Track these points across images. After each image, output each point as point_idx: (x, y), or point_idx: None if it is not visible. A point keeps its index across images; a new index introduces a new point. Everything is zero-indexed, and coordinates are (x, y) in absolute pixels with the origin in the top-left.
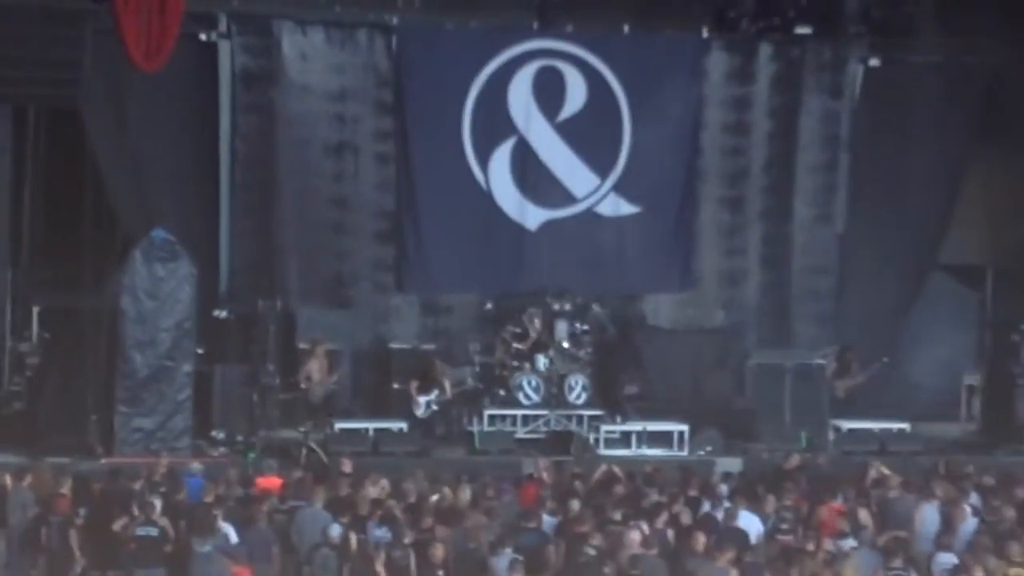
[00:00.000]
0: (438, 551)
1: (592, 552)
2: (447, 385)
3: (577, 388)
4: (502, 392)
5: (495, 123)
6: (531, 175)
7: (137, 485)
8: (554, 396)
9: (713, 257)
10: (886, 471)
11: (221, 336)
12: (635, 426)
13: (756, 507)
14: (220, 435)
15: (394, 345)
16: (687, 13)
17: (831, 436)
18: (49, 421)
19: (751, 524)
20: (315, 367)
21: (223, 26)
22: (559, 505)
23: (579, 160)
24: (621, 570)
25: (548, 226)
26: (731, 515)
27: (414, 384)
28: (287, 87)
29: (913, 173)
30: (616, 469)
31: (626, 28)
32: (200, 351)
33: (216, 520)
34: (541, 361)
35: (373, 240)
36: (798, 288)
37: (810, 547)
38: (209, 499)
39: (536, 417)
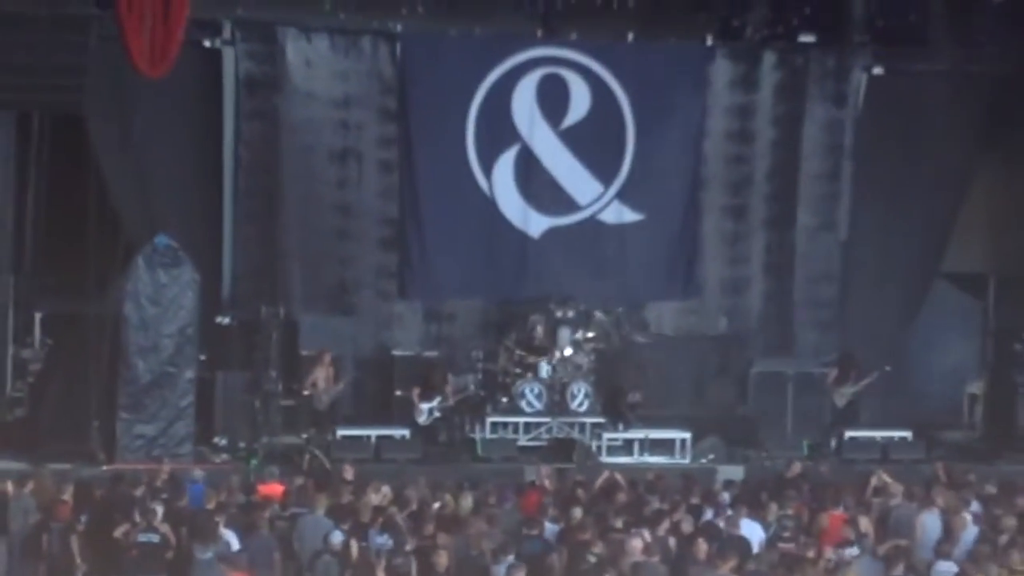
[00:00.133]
0: (440, 558)
1: (594, 560)
2: (449, 392)
3: (580, 396)
4: (504, 399)
5: (499, 130)
6: (535, 182)
7: (139, 491)
8: (556, 403)
9: (716, 265)
10: (888, 479)
11: (224, 342)
12: (637, 434)
13: (758, 515)
14: (222, 442)
15: (397, 352)
16: (691, 21)
17: (833, 444)
18: (51, 427)
19: (753, 532)
20: (321, 375)
21: (227, 33)
22: (561, 512)
23: (583, 167)
24: None
25: (551, 233)
26: (733, 523)
27: (416, 391)
28: (291, 94)
29: (917, 182)
30: (618, 477)
31: (630, 36)
32: (202, 357)
33: (218, 527)
34: (544, 368)
35: (376, 247)
36: (801, 296)
37: (811, 555)
38: (211, 506)
39: (538, 424)
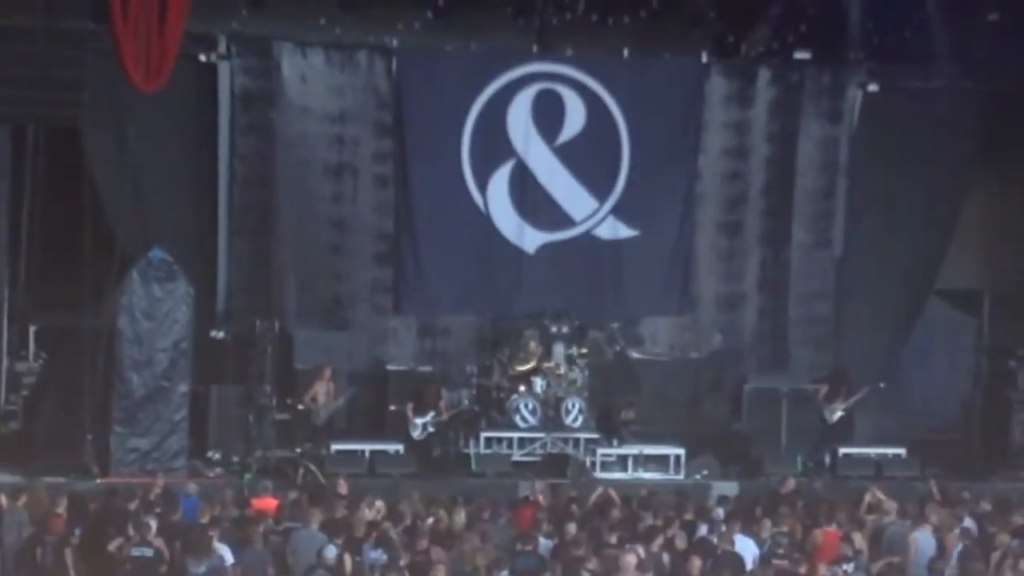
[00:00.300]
0: (437, 573)
1: (588, 575)
2: (444, 407)
3: (574, 411)
4: (499, 415)
5: (494, 146)
6: (530, 198)
7: (132, 505)
8: (551, 419)
9: (711, 281)
10: (882, 496)
11: (218, 357)
12: (632, 449)
13: (752, 531)
14: (216, 456)
15: (391, 367)
16: (687, 38)
17: (827, 461)
18: (45, 440)
19: (747, 548)
20: (322, 389)
21: (223, 47)
22: (555, 528)
23: (578, 183)
24: None
25: (546, 249)
26: (727, 539)
27: (410, 406)
28: (286, 108)
29: (912, 199)
30: (612, 492)
31: (626, 52)
32: (197, 372)
33: (211, 541)
34: (538, 384)
35: (371, 262)
36: (796, 313)
37: (805, 572)
38: (204, 520)
39: (533, 440)
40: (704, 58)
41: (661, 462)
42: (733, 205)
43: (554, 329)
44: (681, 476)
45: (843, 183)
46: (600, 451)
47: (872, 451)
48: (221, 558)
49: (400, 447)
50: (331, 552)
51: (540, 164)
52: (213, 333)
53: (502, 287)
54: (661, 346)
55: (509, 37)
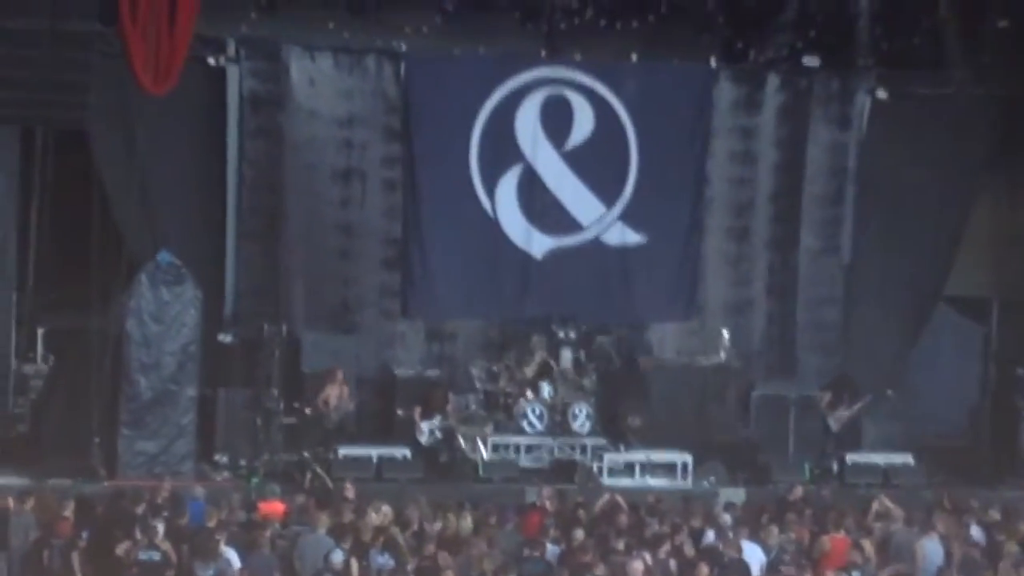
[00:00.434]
0: None
1: None
2: (451, 412)
3: (581, 417)
4: (506, 419)
5: (502, 150)
6: (537, 203)
7: (140, 509)
8: (558, 424)
9: (719, 287)
10: (889, 504)
11: (225, 360)
12: (639, 456)
13: (759, 538)
14: (223, 459)
15: (398, 371)
16: (695, 43)
17: (835, 468)
18: (53, 443)
19: (754, 555)
20: (333, 392)
21: (231, 50)
22: (562, 534)
23: (586, 188)
24: None
25: (554, 254)
26: (734, 546)
27: (418, 410)
28: (295, 112)
29: (920, 205)
30: (619, 499)
31: (634, 57)
32: (204, 375)
33: (219, 545)
34: (545, 389)
35: (379, 266)
36: (803, 319)
37: None
38: (212, 523)
39: (540, 445)
40: (713, 63)
41: (668, 468)
42: (741, 210)
43: (561, 334)
44: (688, 483)
45: (851, 189)
46: (607, 457)
47: (880, 458)
48: (228, 562)
49: (407, 452)
50: (338, 556)
51: (548, 169)
52: (221, 337)
53: (510, 292)
54: (668, 352)
55: (517, 42)
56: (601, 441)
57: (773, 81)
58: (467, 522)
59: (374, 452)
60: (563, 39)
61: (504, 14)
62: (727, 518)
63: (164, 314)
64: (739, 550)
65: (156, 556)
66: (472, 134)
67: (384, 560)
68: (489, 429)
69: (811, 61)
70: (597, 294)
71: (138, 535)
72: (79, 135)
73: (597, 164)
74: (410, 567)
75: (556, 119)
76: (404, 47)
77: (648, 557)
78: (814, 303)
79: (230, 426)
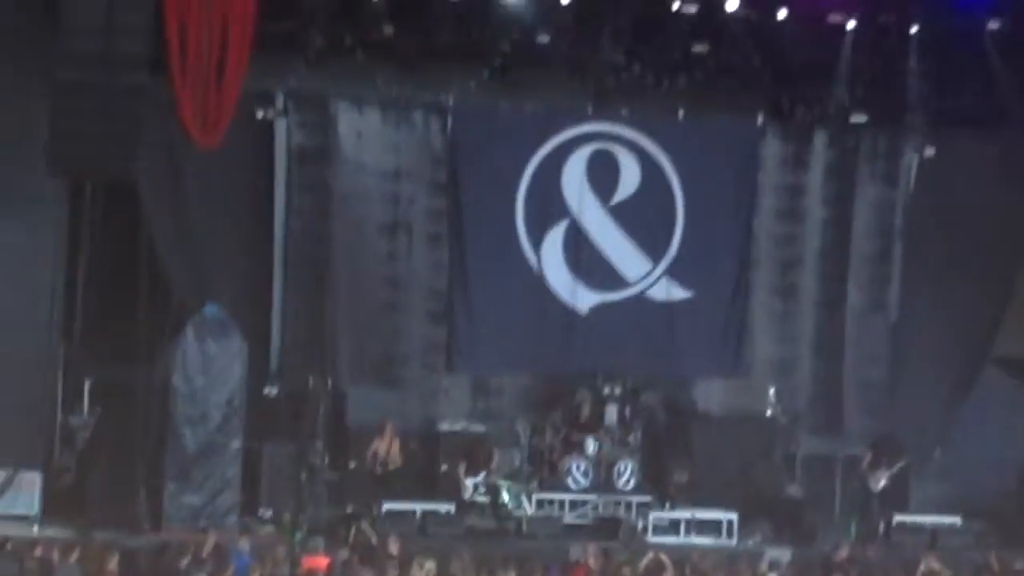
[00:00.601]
0: None
1: None
2: (495, 467)
3: (626, 474)
4: (550, 476)
5: (548, 205)
6: (583, 258)
7: (184, 562)
8: (603, 481)
9: (765, 344)
10: (936, 565)
11: (270, 413)
12: (684, 514)
13: None
14: (267, 513)
15: (443, 426)
16: (742, 100)
17: (881, 528)
18: (98, 495)
19: None
20: (382, 446)
21: (280, 104)
22: None
23: (631, 244)
24: None
25: (599, 309)
26: None
27: (462, 466)
28: (342, 165)
29: (968, 264)
30: (663, 557)
31: (681, 113)
32: (249, 428)
33: None
34: (590, 445)
35: (425, 320)
36: (850, 378)
37: None
38: None
39: (584, 502)
40: (760, 120)
41: (713, 527)
42: (788, 268)
43: (607, 390)
44: (733, 541)
45: (898, 247)
46: (652, 514)
47: (927, 519)
48: None
49: (451, 507)
50: None
51: (594, 224)
52: (266, 390)
53: (555, 347)
54: (714, 409)
55: (565, 97)
56: (646, 498)
57: (820, 138)
58: None
59: (418, 507)
60: (610, 95)
61: (552, 69)
62: None
63: (210, 367)
64: None
65: None
66: (518, 188)
67: None
68: (534, 485)
69: (859, 118)
70: (643, 350)
71: None
72: (127, 187)
73: (643, 220)
74: None
75: (602, 174)
76: (451, 101)
77: None
78: (861, 361)
79: (274, 480)
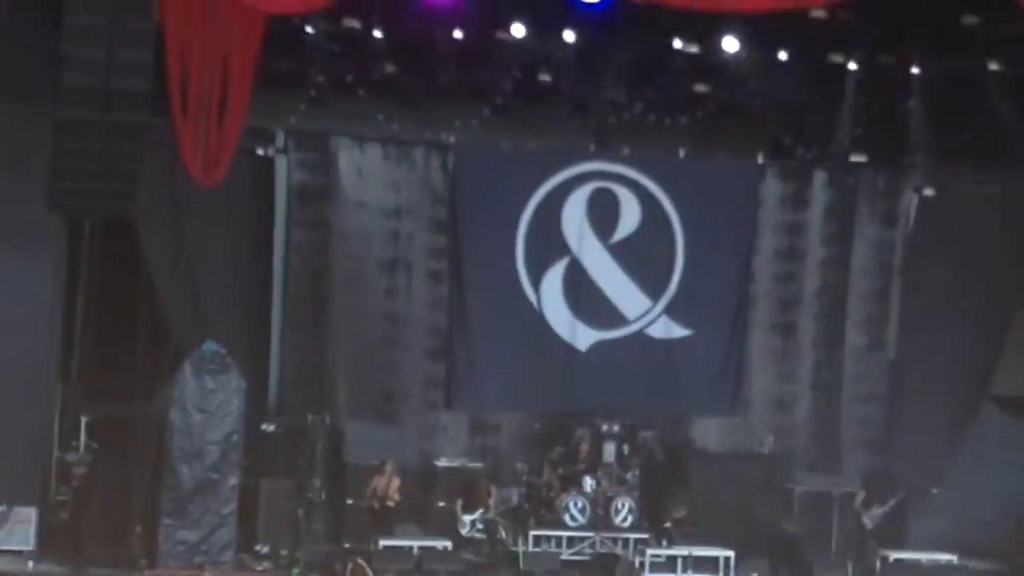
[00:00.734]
0: None
1: None
2: (492, 504)
3: (624, 511)
4: (548, 513)
5: (549, 243)
6: (583, 296)
7: None
8: (600, 518)
9: (764, 382)
10: None
11: (268, 450)
12: (681, 551)
13: None
14: (264, 549)
15: (441, 463)
16: (743, 139)
17: (878, 566)
18: (94, 532)
19: None
20: (382, 483)
21: (280, 142)
22: None
23: (631, 282)
24: None
25: (599, 347)
26: None
27: (460, 503)
28: (343, 203)
29: (966, 303)
30: None
31: (682, 153)
32: (247, 465)
33: None
34: (588, 483)
35: (423, 357)
36: (848, 416)
37: None
38: None
39: (582, 539)
40: (760, 159)
41: (711, 564)
42: (787, 306)
43: (605, 428)
44: None
45: (897, 286)
46: (649, 552)
47: (923, 556)
48: None
49: (448, 544)
50: None
51: (594, 262)
52: (264, 426)
53: (554, 384)
54: (712, 447)
55: (566, 135)
56: (644, 535)
57: (820, 177)
58: None
59: (415, 543)
60: (612, 133)
61: (553, 108)
62: None
63: (208, 403)
64: None
65: None
66: (519, 226)
67: None
68: (531, 522)
69: (858, 158)
70: (641, 388)
71: None
72: (127, 224)
73: (643, 258)
74: None
75: (602, 213)
76: (452, 139)
77: None
78: (859, 400)
79: (271, 515)
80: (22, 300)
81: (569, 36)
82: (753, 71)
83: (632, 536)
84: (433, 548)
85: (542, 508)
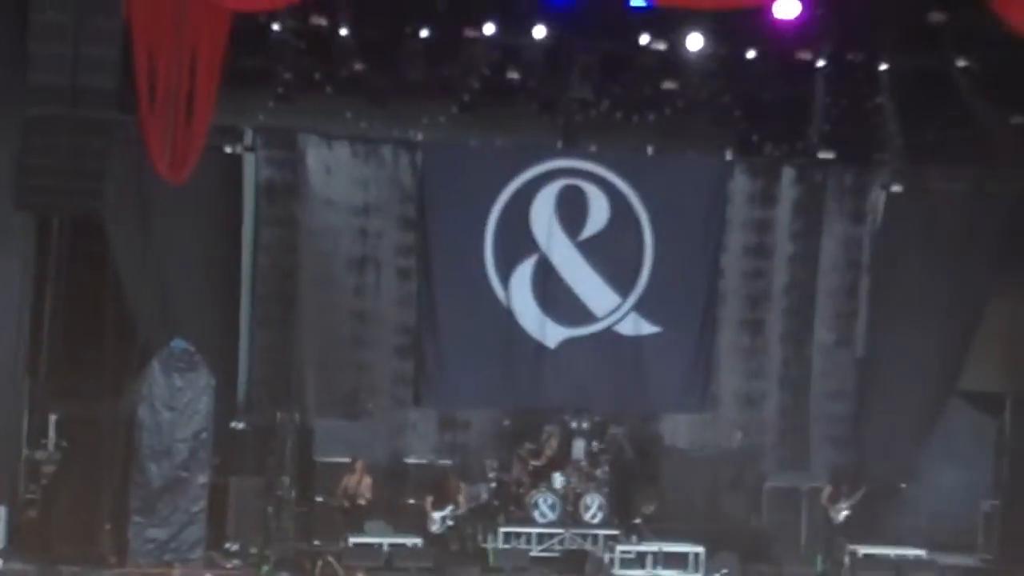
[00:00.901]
0: None
1: None
2: (462, 501)
3: (593, 507)
4: (517, 509)
5: (517, 240)
6: (552, 293)
7: None
8: (570, 515)
9: (732, 379)
10: None
11: (237, 448)
12: (651, 547)
13: None
14: (234, 547)
15: (410, 460)
16: (711, 136)
17: (847, 561)
18: (63, 530)
19: None
20: (353, 481)
21: (248, 139)
22: None
23: (600, 279)
24: None
25: (568, 344)
26: None
27: (429, 499)
28: (311, 200)
29: (934, 300)
30: None
31: (650, 149)
32: (216, 463)
33: None
34: (558, 479)
35: (393, 354)
36: (816, 412)
37: None
38: None
39: (551, 535)
40: (728, 156)
41: (680, 560)
42: (755, 303)
43: (574, 424)
44: (700, 574)
45: (865, 283)
46: (619, 548)
47: (892, 551)
48: None
49: (418, 541)
50: None
51: (563, 259)
52: (233, 424)
53: (523, 382)
54: (681, 443)
55: (534, 133)
56: (613, 532)
57: (788, 174)
58: None
59: (385, 540)
60: (580, 131)
61: (521, 105)
62: None
63: (176, 401)
64: None
65: None
66: (487, 224)
67: None
68: (501, 519)
69: (827, 154)
70: (611, 384)
71: None
72: (94, 221)
73: (611, 255)
74: None
75: (571, 210)
76: (420, 136)
77: None
78: (827, 396)
79: (241, 513)
80: None
81: (538, 33)
82: (721, 68)
83: (602, 532)
84: (403, 545)
85: (511, 505)
